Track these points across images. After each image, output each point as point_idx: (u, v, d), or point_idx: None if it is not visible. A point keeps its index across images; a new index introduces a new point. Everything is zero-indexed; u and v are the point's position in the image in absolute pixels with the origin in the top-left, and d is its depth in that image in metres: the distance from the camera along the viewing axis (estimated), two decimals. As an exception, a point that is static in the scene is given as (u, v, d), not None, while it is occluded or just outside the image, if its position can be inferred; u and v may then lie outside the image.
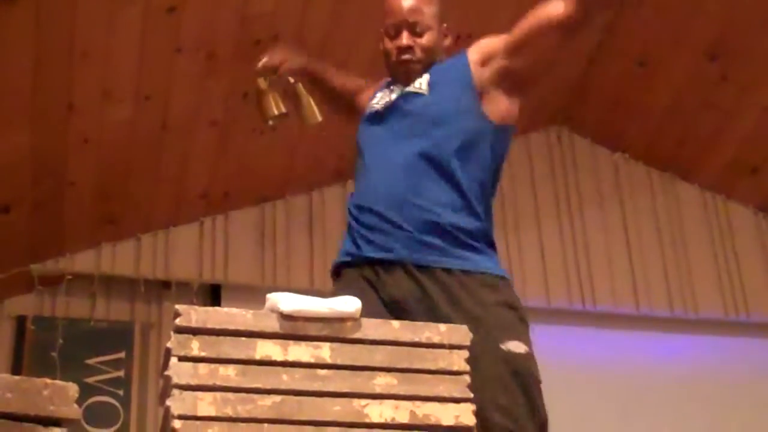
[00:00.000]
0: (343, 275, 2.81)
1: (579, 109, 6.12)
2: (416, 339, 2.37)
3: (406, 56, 2.90)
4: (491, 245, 2.77)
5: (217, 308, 2.36)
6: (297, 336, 2.31)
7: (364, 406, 2.27)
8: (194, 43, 4.73)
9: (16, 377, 1.96)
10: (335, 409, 2.26)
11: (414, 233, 2.68)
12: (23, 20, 4.25)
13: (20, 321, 5.20)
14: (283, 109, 4.89)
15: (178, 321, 2.27)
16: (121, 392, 5.14)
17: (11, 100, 4.53)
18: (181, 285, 5.39)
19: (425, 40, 2.91)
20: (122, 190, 5.21)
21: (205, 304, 5.13)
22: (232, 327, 2.29)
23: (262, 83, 4.90)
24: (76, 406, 1.99)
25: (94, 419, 4.98)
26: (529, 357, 2.59)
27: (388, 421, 2.27)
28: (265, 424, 2.21)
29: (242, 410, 2.21)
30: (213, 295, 5.46)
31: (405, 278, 2.67)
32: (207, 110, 5.02)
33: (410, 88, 2.87)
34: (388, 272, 2.69)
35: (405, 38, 2.90)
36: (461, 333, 2.42)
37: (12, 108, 4.57)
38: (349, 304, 2.37)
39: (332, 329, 2.33)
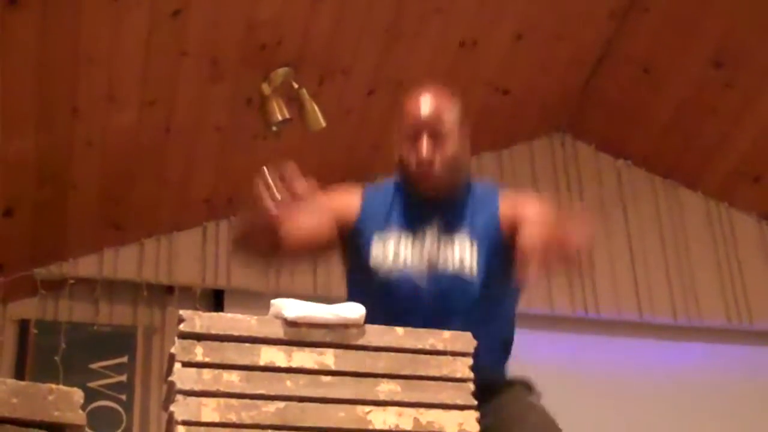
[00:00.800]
0: None
1: (582, 116, 6.12)
2: (420, 346, 2.37)
3: (427, 172, 2.70)
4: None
5: (221, 314, 2.36)
6: (301, 342, 2.31)
7: (368, 413, 2.28)
8: (199, 48, 4.73)
9: (22, 382, 1.97)
10: (339, 416, 2.26)
11: None
12: (29, 24, 4.26)
13: (23, 325, 5.20)
14: (287, 115, 4.93)
15: (182, 326, 2.27)
16: (123, 397, 5.14)
17: (16, 103, 4.54)
18: (184, 290, 5.40)
19: (447, 150, 2.72)
20: (126, 194, 5.21)
21: (207, 309, 5.13)
22: (236, 333, 2.29)
23: (266, 89, 4.93)
24: (81, 411, 1.99)
25: (96, 424, 4.97)
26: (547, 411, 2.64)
27: (392, 428, 2.27)
28: (269, 431, 2.21)
29: (246, 416, 2.21)
30: (216, 301, 5.46)
31: None
32: (211, 115, 5.03)
33: (461, 265, 2.67)
34: None
35: (426, 148, 2.70)
36: (465, 340, 2.42)
37: (17, 111, 4.57)
38: (353, 310, 2.37)
39: (336, 335, 2.33)
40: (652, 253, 5.99)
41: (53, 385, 1.97)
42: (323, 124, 4.96)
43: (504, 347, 2.82)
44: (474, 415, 2.33)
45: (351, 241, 2.80)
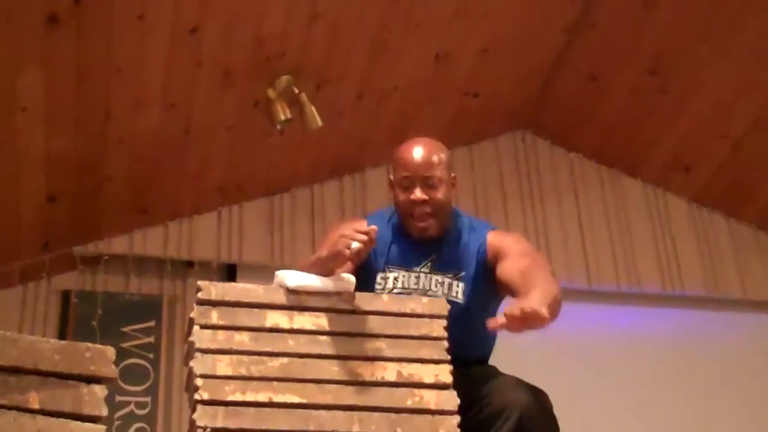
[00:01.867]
0: None
1: (540, 116, 6.11)
2: (402, 310, 2.38)
3: (421, 214, 2.68)
4: None
5: (233, 284, 2.37)
6: (301, 307, 2.32)
7: (358, 367, 2.29)
8: (213, 60, 4.72)
9: (63, 342, 1.97)
10: (333, 370, 2.27)
11: None
12: (67, 39, 4.24)
13: (65, 295, 5.19)
14: (289, 116, 4.92)
15: (200, 294, 2.28)
16: (151, 355, 5.13)
17: (57, 107, 4.52)
18: (203, 264, 5.39)
19: (439, 194, 2.69)
20: (152, 184, 5.20)
21: (222, 281, 5.13)
22: (246, 300, 2.30)
23: (271, 93, 4.92)
24: (113, 366, 2.00)
25: (128, 378, 4.98)
26: None
27: (378, 379, 2.28)
28: (274, 382, 2.22)
29: (254, 370, 2.22)
30: (229, 273, 5.45)
31: None
32: (224, 117, 5.02)
33: (446, 295, 2.65)
34: None
35: (419, 193, 2.68)
36: (440, 305, 2.43)
37: (58, 114, 4.56)
38: (345, 281, 2.38)
39: (331, 302, 2.34)
40: (599, 232, 6.00)
41: (90, 344, 1.98)
42: (320, 123, 4.96)
43: (486, 354, 2.81)
44: (448, 368, 2.34)
45: (359, 273, 2.59)
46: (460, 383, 2.36)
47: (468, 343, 2.62)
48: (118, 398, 4.91)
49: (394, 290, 2.68)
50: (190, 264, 5.42)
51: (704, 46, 5.34)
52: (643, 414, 5.56)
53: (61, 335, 4.99)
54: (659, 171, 6.11)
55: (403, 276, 2.71)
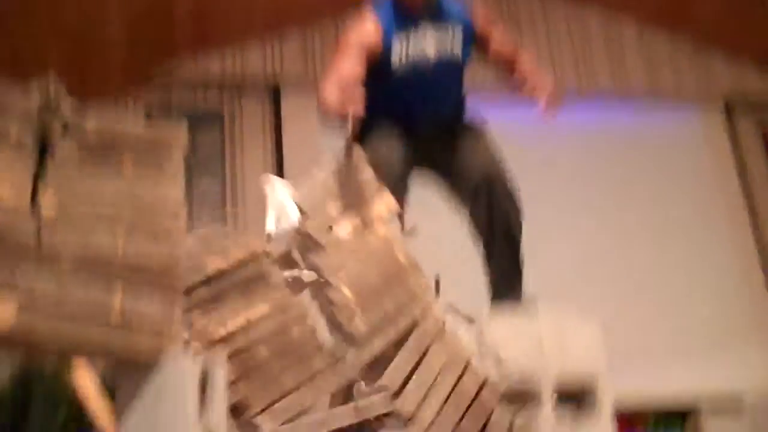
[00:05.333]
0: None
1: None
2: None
3: None
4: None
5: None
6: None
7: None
8: None
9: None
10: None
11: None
12: None
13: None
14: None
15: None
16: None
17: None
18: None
19: None
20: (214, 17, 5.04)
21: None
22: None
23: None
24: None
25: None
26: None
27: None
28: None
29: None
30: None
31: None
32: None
33: (449, 50, 2.71)
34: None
35: None
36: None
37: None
38: None
39: None
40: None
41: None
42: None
43: (463, 102, 2.84)
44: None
45: (381, 53, 2.64)
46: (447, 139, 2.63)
47: (453, 95, 2.78)
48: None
49: (409, 49, 2.67)
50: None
51: None
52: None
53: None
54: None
55: (413, 40, 2.68)
